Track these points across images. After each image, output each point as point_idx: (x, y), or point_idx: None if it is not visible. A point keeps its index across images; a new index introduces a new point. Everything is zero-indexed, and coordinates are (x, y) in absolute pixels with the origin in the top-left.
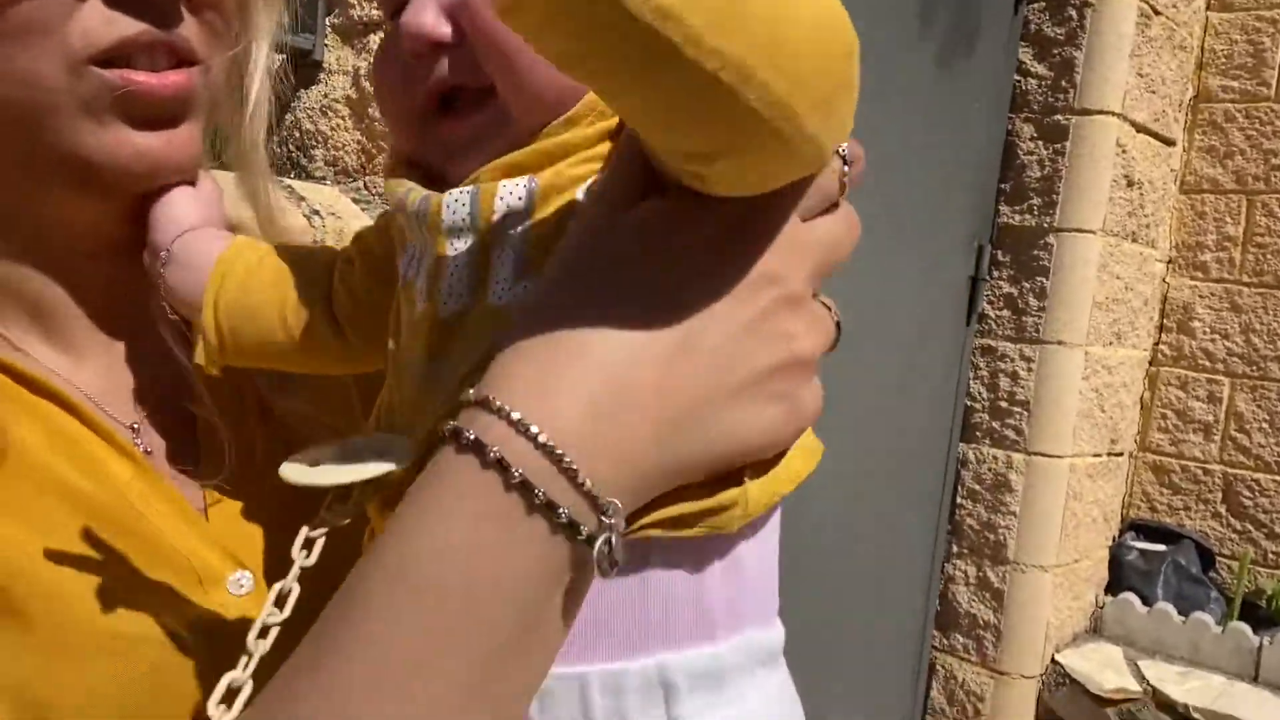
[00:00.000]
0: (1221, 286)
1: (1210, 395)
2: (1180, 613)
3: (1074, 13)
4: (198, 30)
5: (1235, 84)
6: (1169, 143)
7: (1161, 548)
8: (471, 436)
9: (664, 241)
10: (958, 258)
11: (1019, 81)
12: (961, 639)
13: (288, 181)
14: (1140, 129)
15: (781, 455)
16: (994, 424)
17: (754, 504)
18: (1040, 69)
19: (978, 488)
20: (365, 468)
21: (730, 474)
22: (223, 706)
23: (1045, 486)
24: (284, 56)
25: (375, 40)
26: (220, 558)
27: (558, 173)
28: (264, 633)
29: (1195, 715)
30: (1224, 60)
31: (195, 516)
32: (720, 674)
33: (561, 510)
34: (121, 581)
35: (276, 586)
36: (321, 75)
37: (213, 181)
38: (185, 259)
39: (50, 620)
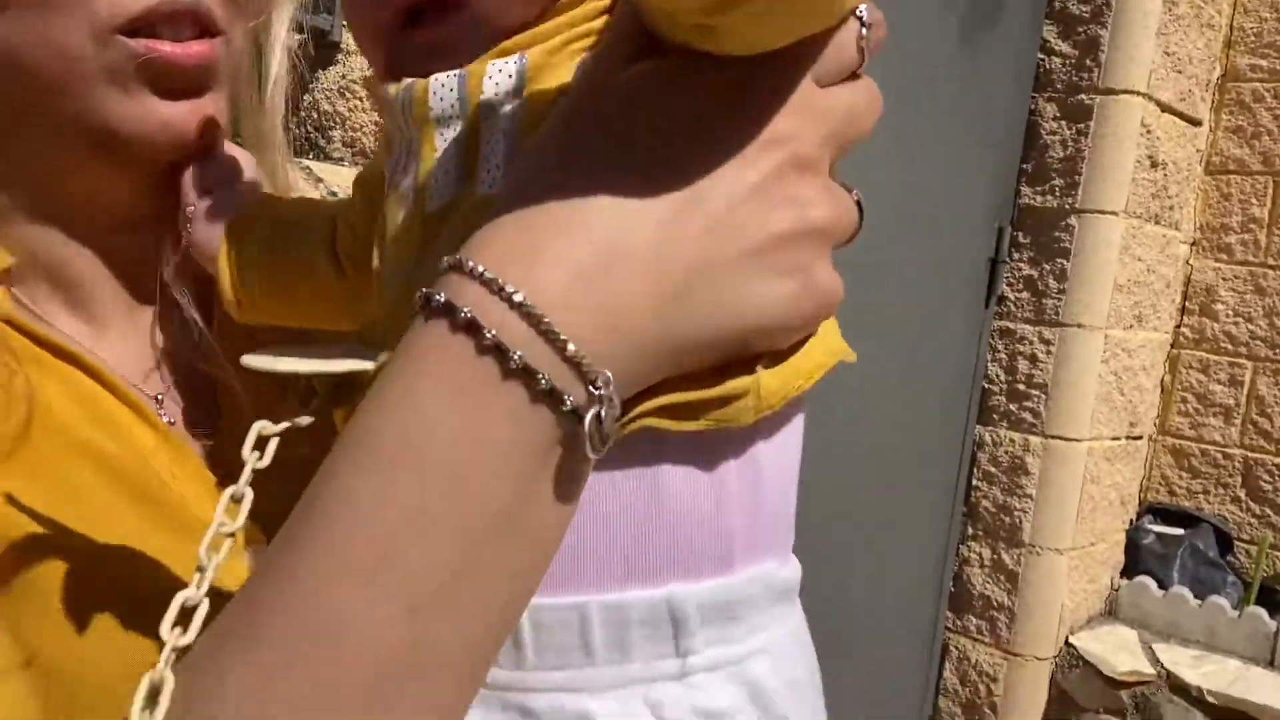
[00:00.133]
0: (1246, 269)
1: (1232, 379)
2: (1197, 596)
3: None
4: (220, 1)
5: (1264, 63)
6: (1195, 123)
7: (1179, 531)
8: (442, 299)
9: (663, 101)
10: (977, 239)
11: (1042, 60)
12: (975, 620)
13: (306, 163)
14: (1165, 109)
15: (799, 346)
16: (1011, 406)
17: (767, 395)
18: (1064, 47)
19: (994, 470)
20: (332, 362)
21: (742, 363)
22: (177, 629)
23: (1062, 470)
24: (303, 36)
25: None
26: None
27: (550, 49)
28: (216, 545)
29: (1209, 699)
30: (1253, 39)
31: (216, 487)
32: (734, 607)
33: (541, 376)
34: (145, 548)
35: (227, 492)
36: (339, 56)
37: (242, 150)
38: (211, 212)
39: (73, 587)
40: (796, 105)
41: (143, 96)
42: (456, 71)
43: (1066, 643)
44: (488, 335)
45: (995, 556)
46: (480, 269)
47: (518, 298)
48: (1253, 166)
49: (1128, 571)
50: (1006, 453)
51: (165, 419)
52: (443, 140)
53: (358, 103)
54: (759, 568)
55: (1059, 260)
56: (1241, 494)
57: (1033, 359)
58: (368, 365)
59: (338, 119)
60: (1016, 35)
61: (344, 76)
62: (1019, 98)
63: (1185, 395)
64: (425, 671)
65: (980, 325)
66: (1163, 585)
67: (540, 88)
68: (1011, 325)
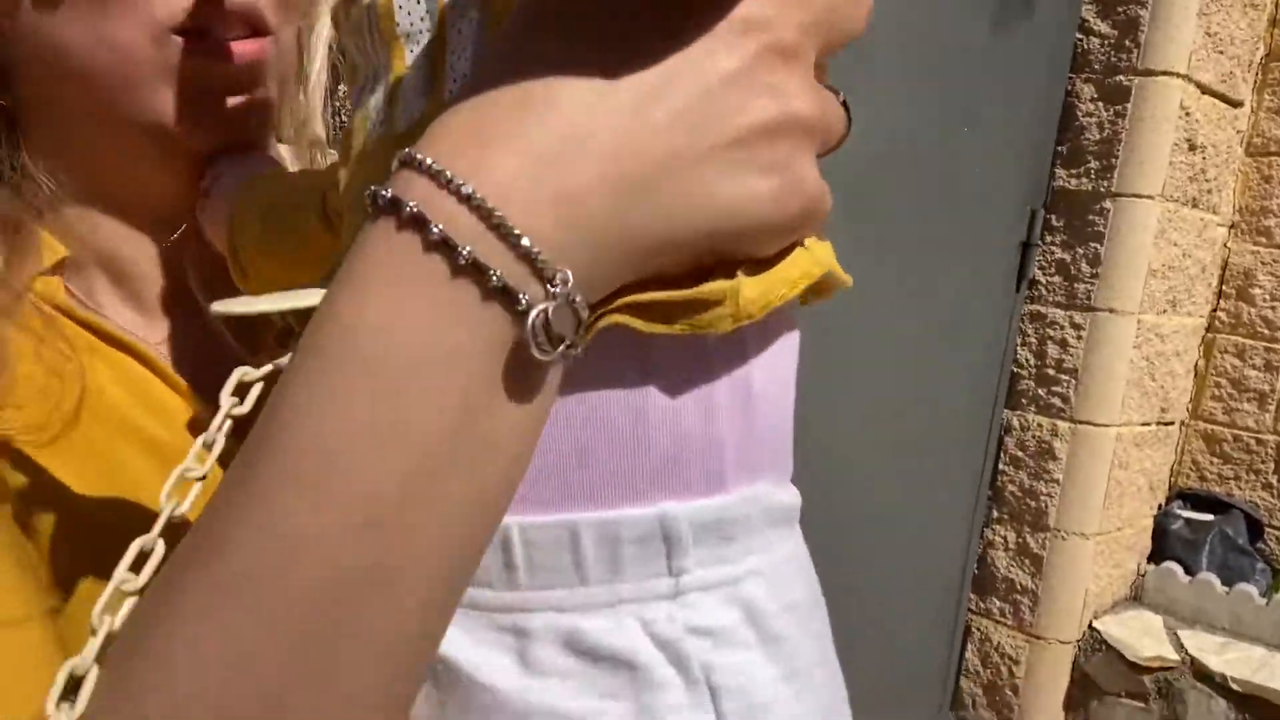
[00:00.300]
0: None
1: (1267, 364)
2: (1224, 583)
3: None
4: (271, 2)
5: None
6: (1236, 104)
7: (1209, 517)
8: (388, 195)
9: None
10: (1009, 222)
11: (1080, 40)
12: (998, 603)
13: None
14: (1205, 90)
15: (785, 255)
16: (1040, 391)
17: (746, 304)
18: (1103, 27)
19: (1021, 454)
20: (303, 294)
21: (722, 267)
22: (130, 574)
23: (1090, 455)
24: None
25: None
26: None
27: None
28: (181, 490)
29: (1233, 686)
30: None
31: None
32: (728, 526)
33: (493, 273)
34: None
35: (200, 438)
36: None
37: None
38: (219, 191)
39: (109, 557)
40: None
41: (197, 93)
42: None
43: (1090, 627)
44: (434, 230)
45: (1020, 540)
46: (428, 161)
47: (466, 190)
48: None
49: (1155, 557)
50: (1034, 437)
51: (209, 402)
52: (411, 56)
53: None
54: (752, 489)
55: (1092, 244)
56: (1274, 480)
57: (1063, 344)
58: None
59: None
60: (1054, 15)
61: None
62: (1055, 78)
63: (1219, 380)
64: (385, 590)
65: (1010, 309)
66: (1190, 571)
67: None
68: (1042, 309)
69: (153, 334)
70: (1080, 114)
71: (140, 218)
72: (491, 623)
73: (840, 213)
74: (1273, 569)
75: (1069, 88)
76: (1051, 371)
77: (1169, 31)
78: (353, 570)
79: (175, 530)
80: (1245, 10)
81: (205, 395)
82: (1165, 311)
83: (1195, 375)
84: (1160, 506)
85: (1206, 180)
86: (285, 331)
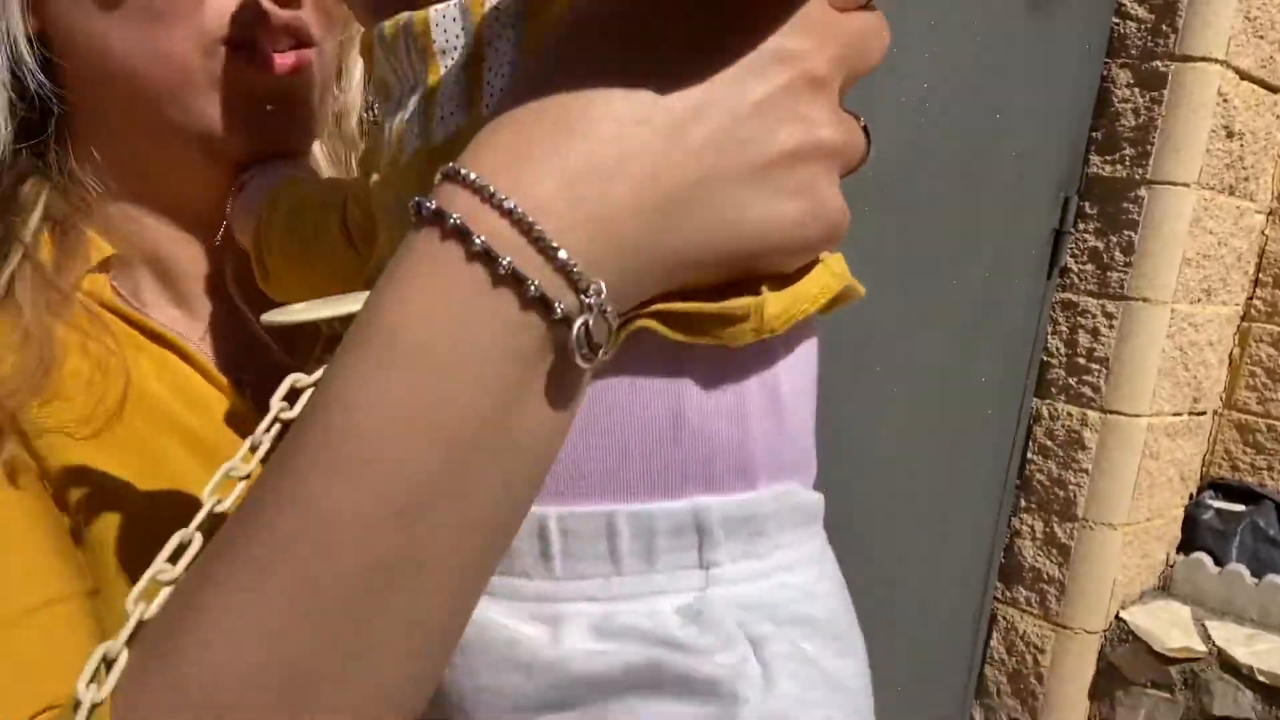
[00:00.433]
0: None
1: None
2: (1254, 574)
3: None
4: (314, 13)
5: None
6: (1275, 90)
7: (1241, 508)
8: (433, 206)
9: (671, 9)
10: (1042, 209)
11: (1117, 24)
12: (1024, 592)
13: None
14: (1245, 76)
15: (805, 271)
16: (1070, 380)
17: (770, 319)
18: (1140, 11)
19: (1049, 444)
20: (346, 300)
21: (745, 283)
22: (167, 564)
23: (1120, 445)
24: None
25: None
26: None
27: None
28: (223, 488)
29: (1260, 678)
30: None
31: None
32: (758, 522)
33: (531, 283)
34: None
35: (248, 440)
36: None
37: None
38: (250, 192)
39: (148, 546)
40: (808, 22)
41: (242, 102)
42: (454, 1)
43: (1117, 617)
44: (477, 241)
45: (1047, 530)
46: (472, 176)
47: (508, 204)
48: None
49: (1185, 547)
50: (1064, 426)
51: (249, 399)
52: (446, 71)
53: None
54: (782, 486)
55: (1126, 232)
56: None
57: (1094, 333)
58: None
59: None
60: None
61: None
62: (1091, 64)
63: (1254, 370)
64: (415, 577)
65: (1041, 297)
66: (1220, 562)
67: (542, 9)
68: (1074, 298)
69: (194, 330)
70: (1116, 100)
71: (184, 219)
72: (529, 612)
73: (872, 198)
74: None
75: (1104, 73)
76: (1082, 361)
77: (1207, 16)
78: (383, 555)
79: (214, 525)
80: None
81: (244, 390)
82: (1199, 300)
83: (1229, 365)
84: (1192, 496)
85: (1244, 168)
86: (333, 339)
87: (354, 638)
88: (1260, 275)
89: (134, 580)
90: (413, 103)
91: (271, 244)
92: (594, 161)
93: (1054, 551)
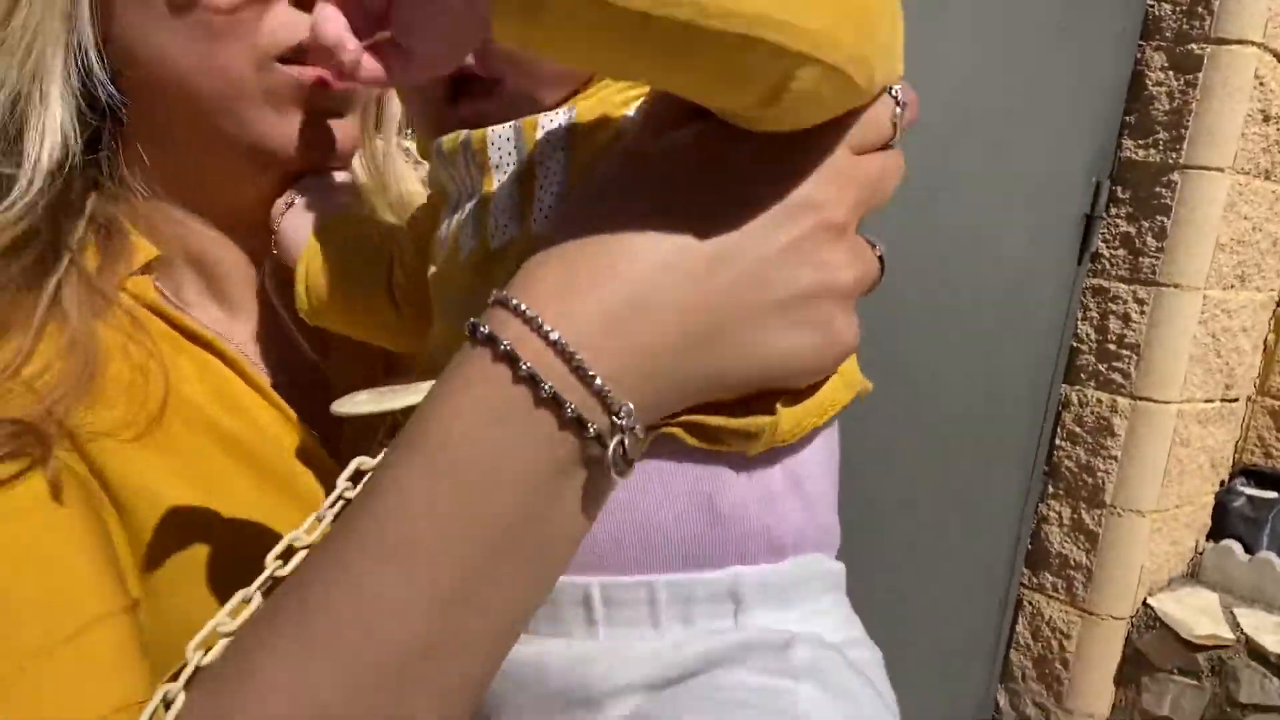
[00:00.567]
0: None
1: None
2: None
3: None
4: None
5: None
6: None
7: (1273, 495)
8: (486, 331)
9: (704, 162)
10: (1074, 193)
11: (1152, 7)
12: (1051, 578)
13: (406, 143)
14: None
15: (818, 386)
16: (1100, 366)
17: (783, 433)
18: None
19: (1078, 430)
20: (409, 393)
21: (762, 397)
22: (227, 618)
23: (1150, 431)
24: None
25: None
26: None
27: (601, 100)
28: (288, 555)
29: None
30: None
31: (332, 463)
32: (788, 590)
33: (569, 405)
34: (259, 517)
35: (314, 513)
36: None
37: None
38: (298, 212)
39: (187, 548)
40: (830, 172)
41: (293, 116)
42: (511, 123)
43: (1144, 603)
44: (523, 367)
45: (1075, 516)
46: (523, 306)
47: (554, 336)
48: None
49: (1216, 534)
50: (1093, 413)
51: (286, 401)
52: (499, 182)
53: None
54: (809, 557)
55: (1159, 218)
56: None
57: (1125, 319)
58: None
59: None
60: None
61: None
62: (1125, 47)
63: None
64: (448, 656)
65: (1071, 283)
66: (1250, 549)
67: (590, 134)
68: (1105, 284)
69: (235, 333)
70: (1150, 83)
71: (228, 223)
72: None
73: (904, 180)
74: None
75: (1139, 56)
76: (1113, 347)
77: None
78: (422, 636)
79: (273, 586)
80: None
81: (281, 393)
82: (1233, 286)
83: (1264, 351)
84: (1223, 483)
85: None
86: (394, 427)
87: (394, 705)
88: None
89: (176, 581)
90: (469, 208)
91: (318, 285)
92: (631, 299)
93: (1081, 538)
